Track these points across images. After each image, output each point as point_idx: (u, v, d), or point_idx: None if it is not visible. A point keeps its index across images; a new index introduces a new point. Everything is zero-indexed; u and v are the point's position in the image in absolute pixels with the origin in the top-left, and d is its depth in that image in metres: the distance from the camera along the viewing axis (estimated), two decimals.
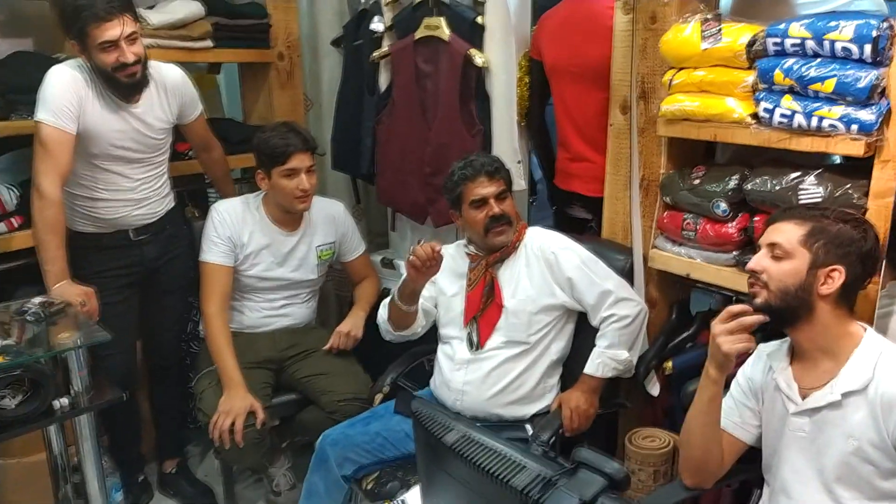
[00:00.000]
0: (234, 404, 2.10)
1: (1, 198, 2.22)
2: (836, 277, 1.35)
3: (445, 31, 2.31)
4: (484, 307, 1.97)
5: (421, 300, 2.09)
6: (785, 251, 1.37)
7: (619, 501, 0.81)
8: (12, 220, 2.24)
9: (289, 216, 2.33)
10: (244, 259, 2.31)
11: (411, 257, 1.85)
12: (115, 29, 1.96)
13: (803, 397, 1.39)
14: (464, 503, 0.94)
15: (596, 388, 1.90)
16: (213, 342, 2.22)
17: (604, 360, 1.89)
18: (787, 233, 1.39)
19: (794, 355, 1.44)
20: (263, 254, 2.32)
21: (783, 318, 1.38)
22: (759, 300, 1.39)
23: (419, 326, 2.11)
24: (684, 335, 2.00)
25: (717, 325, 1.38)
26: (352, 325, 2.38)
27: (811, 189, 1.60)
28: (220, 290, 2.27)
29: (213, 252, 2.27)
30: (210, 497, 2.55)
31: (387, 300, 2.11)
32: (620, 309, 1.89)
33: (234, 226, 2.29)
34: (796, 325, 1.39)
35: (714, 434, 1.48)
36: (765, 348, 1.51)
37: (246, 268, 2.32)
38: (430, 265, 1.86)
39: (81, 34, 1.97)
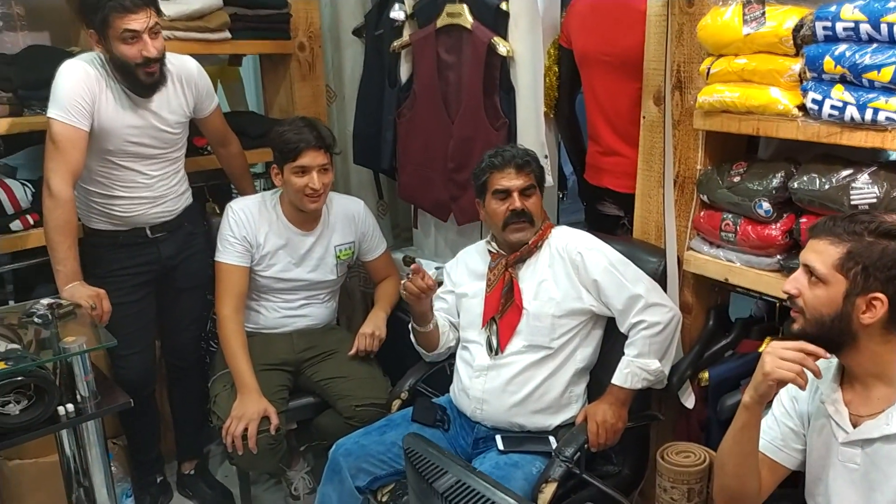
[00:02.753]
0: (248, 409, 2.03)
1: (15, 195, 2.19)
2: (879, 307, 1.19)
3: (468, 19, 2.20)
4: (503, 309, 1.87)
5: (446, 316, 2.06)
6: (819, 276, 1.23)
7: None
8: (27, 217, 2.22)
9: (305, 215, 2.25)
10: (260, 259, 2.24)
11: (403, 292, 1.90)
12: (141, 20, 1.92)
13: (854, 425, 1.26)
14: None
15: (625, 399, 1.78)
16: (227, 345, 2.16)
17: (633, 370, 1.77)
18: (823, 254, 1.23)
19: (844, 377, 1.30)
20: (280, 254, 2.25)
21: (823, 346, 1.24)
22: (796, 326, 1.26)
23: (452, 341, 2.06)
24: (722, 343, 1.88)
25: (774, 342, 1.25)
26: (374, 325, 2.30)
27: (865, 188, 1.46)
28: (235, 292, 2.21)
29: (229, 252, 2.21)
30: (229, 499, 2.50)
31: (410, 325, 2.06)
32: (651, 315, 1.76)
33: (249, 225, 2.22)
34: (840, 351, 1.25)
35: (750, 464, 1.35)
36: None
37: (262, 268, 2.25)
38: (425, 294, 1.88)
39: (104, 24, 1.91)
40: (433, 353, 2.07)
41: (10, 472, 2.24)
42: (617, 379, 1.78)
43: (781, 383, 1.24)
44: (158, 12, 1.99)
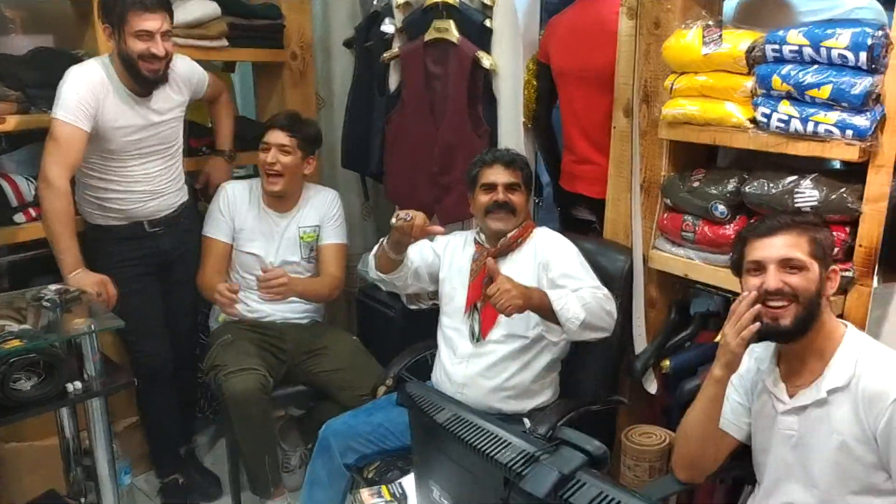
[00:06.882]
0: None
1: (20, 188, 2.29)
2: (834, 278, 1.42)
3: (454, 34, 2.35)
4: (484, 298, 2.00)
5: (418, 262, 2.12)
6: (801, 263, 1.39)
7: (596, 477, 0.85)
8: (30, 210, 2.31)
9: (278, 197, 2.43)
10: (239, 235, 2.44)
11: (398, 222, 1.91)
12: (156, 22, 2.07)
13: (791, 396, 1.43)
14: (454, 479, 1.00)
15: (538, 301, 1.80)
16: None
17: (566, 298, 1.80)
18: (797, 245, 1.40)
19: (782, 357, 1.48)
20: (255, 233, 2.44)
21: (805, 328, 1.39)
22: (786, 321, 1.38)
23: (401, 280, 2.13)
24: (683, 335, 2.03)
25: (725, 326, 1.41)
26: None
27: (807, 192, 1.64)
28: (213, 263, 2.41)
29: (212, 227, 2.43)
30: (216, 485, 2.61)
31: (384, 239, 2.09)
32: (605, 295, 1.87)
33: (236, 206, 2.43)
34: (807, 332, 1.40)
35: (712, 432, 1.51)
36: (753, 347, 1.53)
37: (240, 244, 2.44)
38: (413, 235, 1.93)
39: (121, 19, 2.05)
40: (378, 273, 2.14)
41: (6, 455, 2.33)
42: (553, 293, 1.83)
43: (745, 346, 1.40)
44: (172, 21, 2.14)
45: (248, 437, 2.22)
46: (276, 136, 2.36)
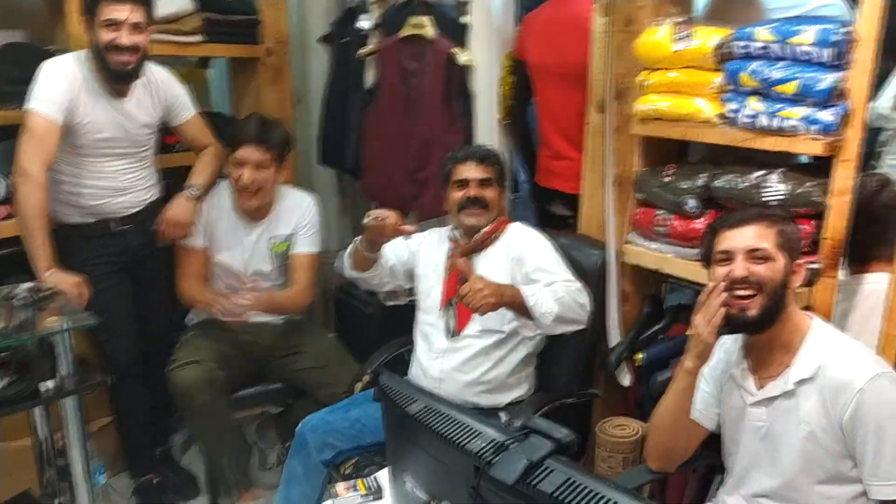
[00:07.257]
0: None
1: None
2: (799, 271, 1.45)
3: (430, 30, 2.37)
4: (459, 297, 2.02)
5: (393, 260, 2.14)
6: (767, 253, 1.42)
7: (565, 464, 0.87)
8: (3, 208, 2.28)
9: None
10: (212, 243, 2.38)
11: (371, 222, 1.94)
12: (123, 12, 2.05)
13: (759, 388, 1.46)
14: (426, 469, 1.01)
15: (511, 298, 1.83)
16: None
17: (539, 293, 1.83)
18: (763, 237, 1.43)
19: (750, 349, 1.51)
20: (225, 240, 2.38)
21: (772, 319, 1.41)
22: (753, 312, 1.41)
23: (377, 278, 2.15)
24: (656, 328, 2.06)
25: (695, 317, 1.44)
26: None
27: (774, 186, 1.67)
28: (192, 270, 2.36)
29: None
30: (192, 484, 2.59)
31: (357, 238, 2.10)
32: (579, 288, 1.90)
33: (209, 212, 2.37)
34: (773, 322, 1.42)
35: (683, 423, 1.54)
36: (723, 340, 1.55)
37: (212, 252, 2.39)
38: (386, 234, 1.96)
39: (92, 9, 2.06)
40: (353, 272, 2.16)
41: None
42: (526, 288, 1.86)
43: (717, 335, 1.43)
44: (149, 14, 2.12)
45: (201, 431, 2.19)
46: (250, 154, 2.24)
